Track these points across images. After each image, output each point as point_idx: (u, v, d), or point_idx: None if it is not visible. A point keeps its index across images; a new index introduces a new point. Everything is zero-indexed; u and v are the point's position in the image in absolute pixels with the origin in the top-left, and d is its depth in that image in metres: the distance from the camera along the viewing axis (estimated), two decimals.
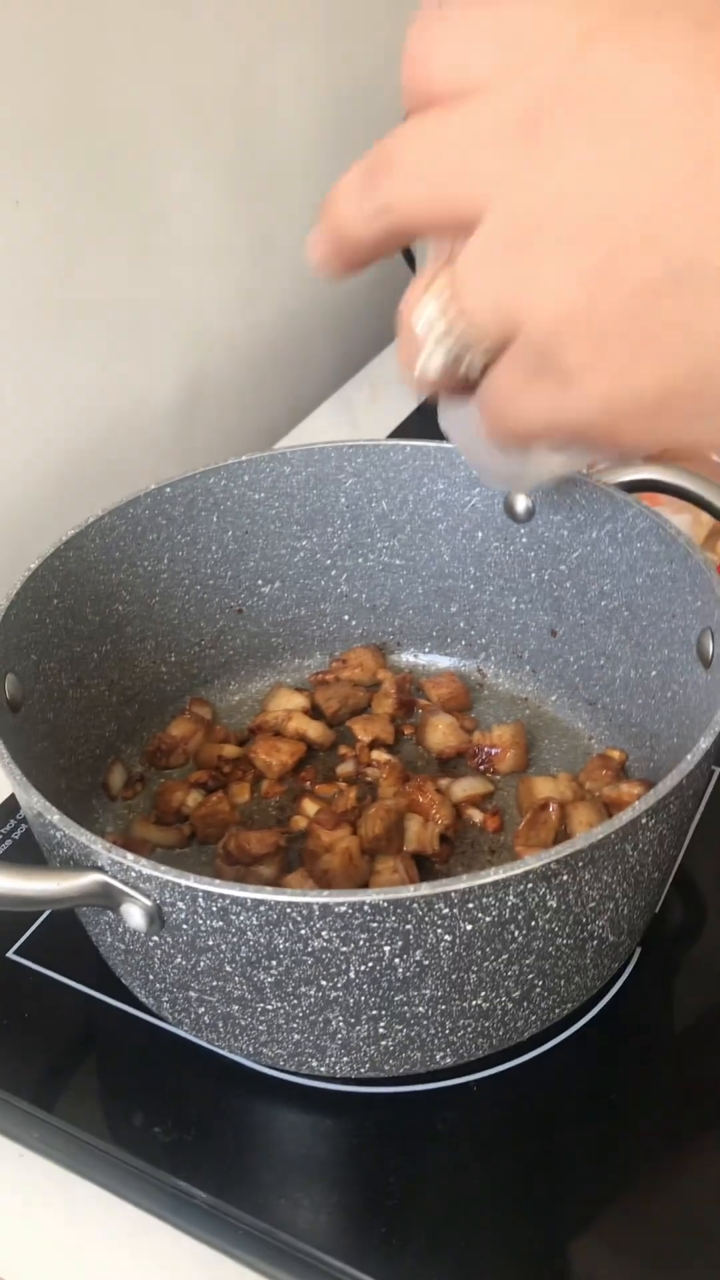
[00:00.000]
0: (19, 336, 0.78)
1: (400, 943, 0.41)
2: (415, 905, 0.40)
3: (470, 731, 0.63)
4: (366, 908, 0.40)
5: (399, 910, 0.40)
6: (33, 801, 0.44)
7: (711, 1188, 0.46)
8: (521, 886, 0.41)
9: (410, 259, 1.01)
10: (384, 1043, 0.46)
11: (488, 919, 0.41)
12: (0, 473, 0.78)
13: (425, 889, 0.40)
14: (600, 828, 0.41)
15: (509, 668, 0.67)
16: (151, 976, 0.47)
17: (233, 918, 0.41)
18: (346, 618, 0.68)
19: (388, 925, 0.41)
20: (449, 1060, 0.48)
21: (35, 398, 0.80)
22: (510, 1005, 0.46)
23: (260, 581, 0.66)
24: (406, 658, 0.69)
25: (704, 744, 0.44)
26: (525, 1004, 0.47)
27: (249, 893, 0.40)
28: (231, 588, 0.65)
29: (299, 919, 0.40)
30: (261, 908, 0.40)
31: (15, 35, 0.71)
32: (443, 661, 0.68)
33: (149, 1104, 0.50)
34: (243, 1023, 0.46)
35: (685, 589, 0.55)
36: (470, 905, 0.41)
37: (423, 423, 0.94)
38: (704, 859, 0.58)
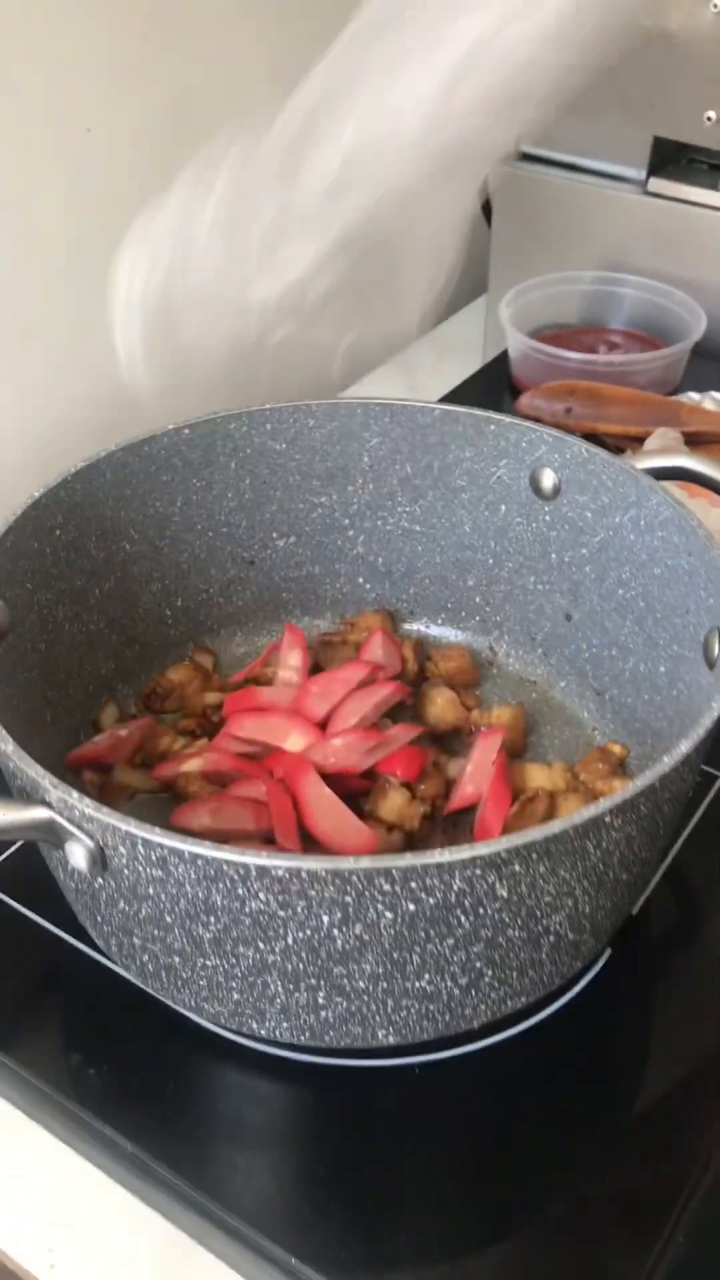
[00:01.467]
0: (77, 255, 0.77)
1: (339, 914, 0.40)
2: (355, 878, 0.39)
3: (470, 709, 0.61)
4: (304, 874, 0.39)
5: (338, 881, 0.39)
6: None
7: (646, 1201, 0.45)
8: (469, 872, 0.39)
9: (488, 213, 0.99)
10: (323, 1013, 0.45)
11: (432, 901, 0.40)
12: (54, 416, 0.77)
13: (366, 862, 0.38)
14: (557, 822, 0.40)
15: (521, 648, 0.65)
16: (99, 918, 0.47)
17: (171, 869, 0.40)
18: (361, 580, 0.66)
19: (326, 895, 0.39)
20: (392, 1039, 0.46)
21: (89, 318, 0.79)
22: (457, 991, 0.45)
23: (275, 534, 0.65)
24: (418, 627, 0.67)
25: (684, 747, 0.42)
26: (473, 991, 0.45)
27: (186, 845, 0.39)
28: (245, 538, 0.64)
29: (236, 877, 0.39)
30: (199, 862, 0.39)
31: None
32: (454, 635, 0.67)
33: (89, 1046, 0.49)
34: (184, 975, 0.46)
35: (700, 584, 0.52)
36: (413, 884, 0.39)
37: (475, 391, 0.92)
38: (702, 866, 0.56)
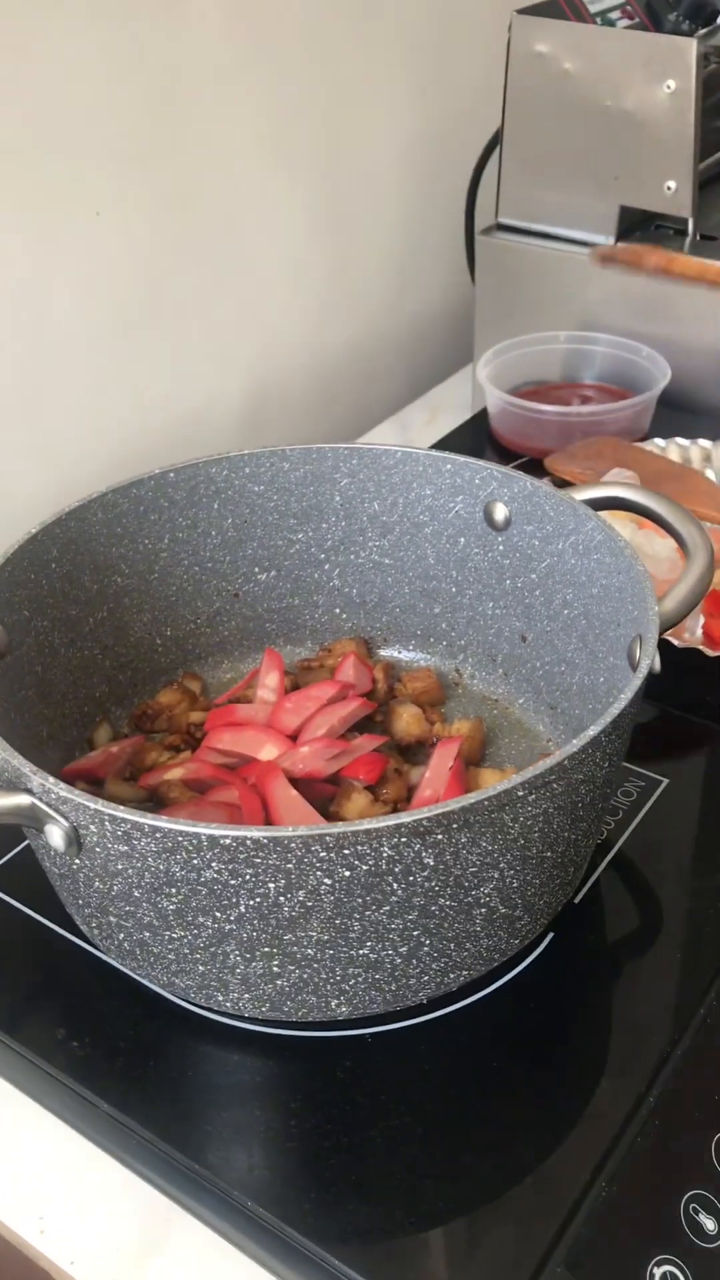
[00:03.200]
0: (94, 337, 0.84)
1: (283, 881, 0.45)
2: (294, 845, 0.44)
3: (434, 724, 0.67)
4: (249, 842, 0.44)
5: (279, 848, 0.44)
6: None
7: (575, 1174, 0.49)
8: (395, 839, 0.44)
9: None
10: (279, 982, 0.50)
11: (364, 867, 0.45)
12: (65, 466, 0.84)
13: (302, 831, 0.43)
14: (474, 793, 0.45)
15: (483, 669, 0.70)
16: (80, 901, 0.52)
17: (135, 843, 0.45)
18: (338, 610, 0.72)
19: (270, 862, 0.44)
20: (345, 1010, 0.51)
21: (105, 397, 0.87)
22: (399, 960, 0.49)
23: (257, 569, 0.71)
24: (391, 653, 0.73)
25: (592, 731, 0.47)
26: (414, 961, 0.50)
27: (145, 819, 0.44)
28: (229, 572, 0.70)
29: (190, 848, 0.45)
30: (157, 834, 0.45)
31: (112, 59, 0.78)
32: (424, 659, 0.72)
33: (73, 1022, 0.54)
34: (154, 950, 0.51)
35: (628, 598, 0.57)
36: (346, 851, 0.44)
37: (458, 444, 0.98)
38: (650, 862, 0.61)
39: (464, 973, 0.52)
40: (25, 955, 0.58)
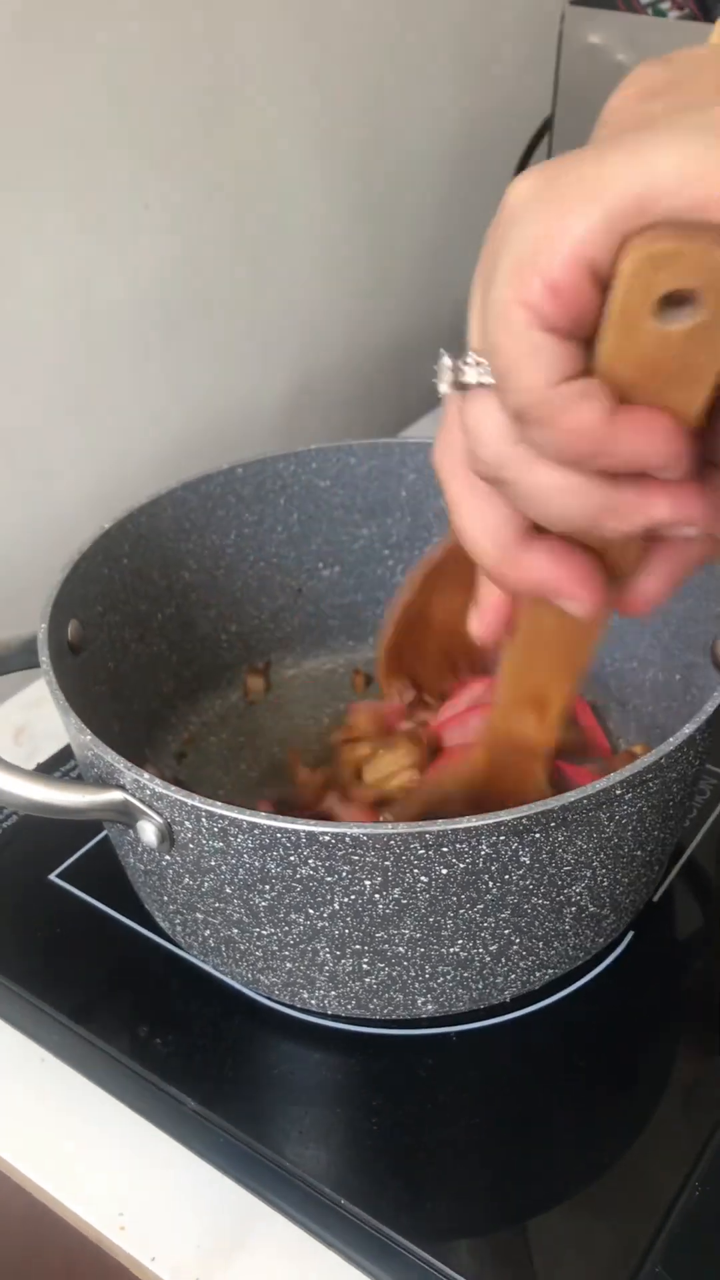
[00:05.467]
0: (140, 332, 0.84)
1: (380, 878, 0.45)
2: (393, 842, 0.44)
3: None
4: (348, 839, 0.44)
5: (378, 845, 0.44)
6: (71, 723, 0.49)
7: (666, 1174, 0.48)
8: (494, 837, 0.44)
9: None
10: (368, 979, 0.49)
11: (462, 865, 0.45)
12: (110, 462, 0.84)
13: (403, 828, 0.43)
14: (574, 791, 0.44)
15: None
16: (165, 898, 0.52)
17: (231, 839, 0.45)
18: None
19: (368, 859, 0.44)
20: (431, 1008, 0.51)
21: (150, 392, 0.87)
22: (488, 959, 0.49)
23: (321, 564, 0.71)
24: None
25: (688, 729, 0.47)
26: (503, 960, 0.50)
27: (245, 815, 0.44)
28: (293, 568, 0.70)
29: (288, 845, 0.44)
30: (255, 831, 0.44)
31: (161, 51, 0.78)
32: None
33: (157, 1020, 0.54)
34: (242, 947, 0.50)
35: (713, 596, 0.57)
36: (445, 849, 0.44)
37: None
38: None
39: (550, 971, 0.52)
40: (102, 951, 0.58)
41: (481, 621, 0.42)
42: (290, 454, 0.67)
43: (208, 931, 0.51)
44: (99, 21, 0.73)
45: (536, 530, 0.36)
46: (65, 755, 0.68)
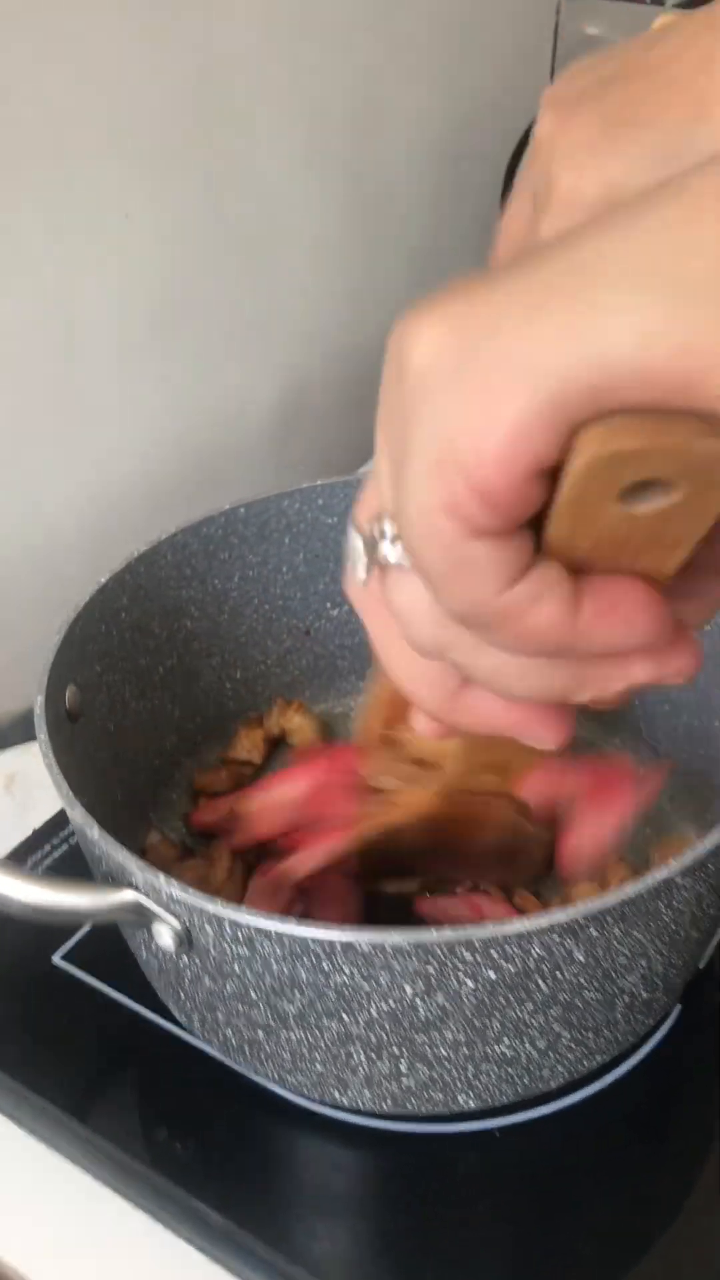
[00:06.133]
0: (125, 340, 0.80)
1: (422, 984, 0.41)
2: (438, 949, 0.40)
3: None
4: (388, 948, 0.40)
5: (421, 953, 0.40)
6: (76, 815, 0.45)
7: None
8: (547, 937, 0.40)
9: None
10: (405, 1081, 0.46)
11: (512, 968, 0.41)
12: (97, 474, 0.80)
13: (449, 934, 0.39)
14: (632, 885, 0.41)
15: None
16: (182, 995, 0.48)
17: (257, 946, 0.41)
18: None
19: (410, 967, 0.40)
20: (472, 1103, 0.47)
21: (136, 401, 0.82)
22: (535, 1054, 0.46)
23: (329, 604, 0.66)
24: None
25: None
26: (551, 1053, 0.46)
27: (273, 924, 0.40)
28: (300, 609, 0.66)
29: (321, 953, 0.41)
30: (285, 940, 0.41)
31: (133, 50, 0.73)
32: None
33: (175, 1119, 0.50)
34: (268, 1049, 0.47)
35: None
36: (494, 953, 0.40)
37: None
38: None
39: (599, 1057, 0.49)
40: (112, 1042, 0.54)
41: (428, 728, 0.34)
42: (295, 491, 0.63)
43: (229, 1031, 0.47)
44: (78, 17, 0.68)
45: None
46: (65, 816, 0.64)
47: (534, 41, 0.93)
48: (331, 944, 0.40)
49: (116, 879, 0.44)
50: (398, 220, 1.04)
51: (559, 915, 0.40)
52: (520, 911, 0.55)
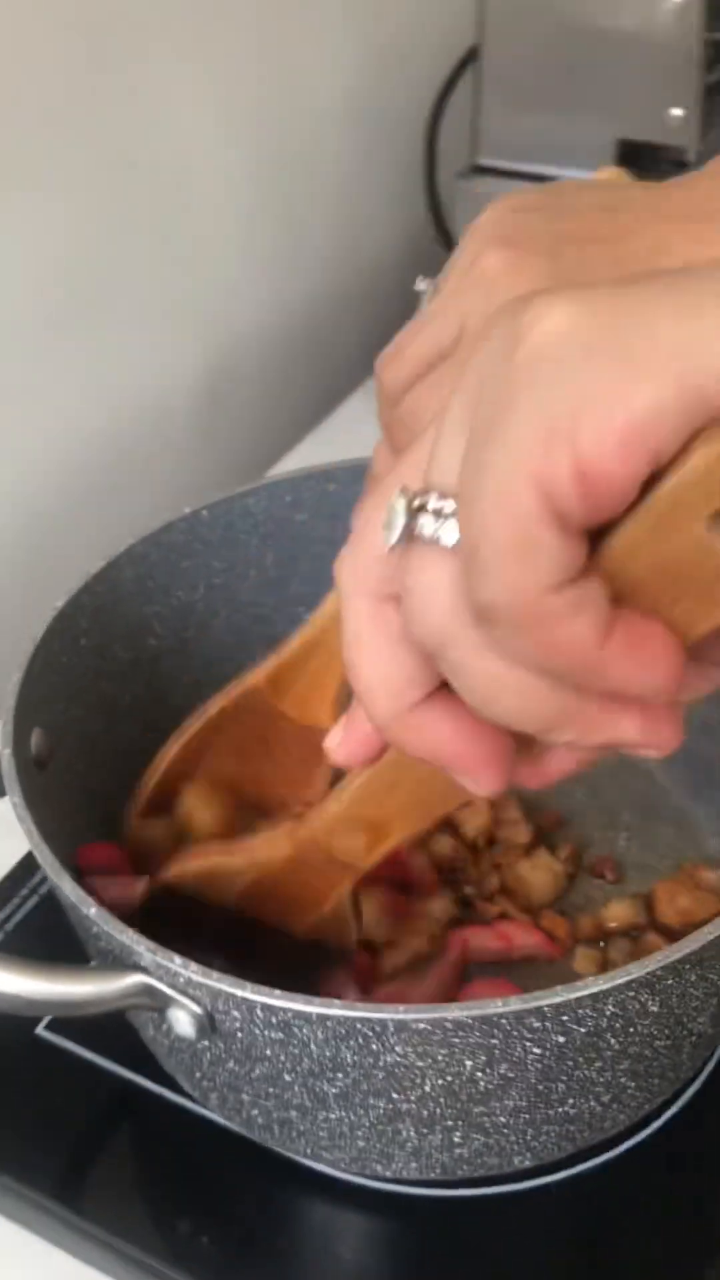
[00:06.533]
0: (35, 325, 0.73)
1: (484, 1057, 0.37)
2: (503, 1021, 0.35)
3: None
4: (448, 1024, 0.35)
5: (485, 1026, 0.35)
6: (66, 888, 0.39)
7: None
8: (624, 995, 0.36)
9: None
10: (458, 1150, 0.41)
11: (583, 1030, 0.37)
12: (12, 468, 0.74)
13: (515, 1004, 0.35)
14: (710, 926, 0.36)
15: None
16: (199, 1074, 0.43)
17: (295, 1030, 0.36)
18: None
19: (471, 1040, 0.36)
20: (528, 1163, 0.43)
21: (50, 389, 0.76)
22: (599, 1108, 0.41)
23: (303, 609, 0.60)
24: None
25: None
26: (615, 1104, 0.42)
27: (315, 1007, 0.35)
28: (273, 616, 0.60)
29: (370, 1034, 0.36)
30: (328, 1023, 0.35)
31: (40, 13, 0.66)
32: None
33: (193, 1206, 0.45)
34: (301, 1128, 0.42)
35: None
36: (564, 1018, 0.36)
37: None
38: None
39: (658, 1099, 0.45)
40: (100, 1115, 0.49)
41: (344, 747, 0.33)
42: (260, 486, 0.57)
43: (255, 1111, 0.42)
44: None
45: (443, 685, 0.27)
46: (31, 862, 0.58)
47: None
48: (383, 1024, 0.35)
49: (120, 960, 0.38)
50: (318, 177, 0.98)
51: (635, 971, 0.35)
52: (550, 935, 0.51)
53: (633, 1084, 0.41)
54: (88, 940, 0.41)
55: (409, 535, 0.25)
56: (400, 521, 0.25)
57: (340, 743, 0.33)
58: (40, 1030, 0.51)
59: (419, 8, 1.02)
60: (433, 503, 0.25)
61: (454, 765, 0.28)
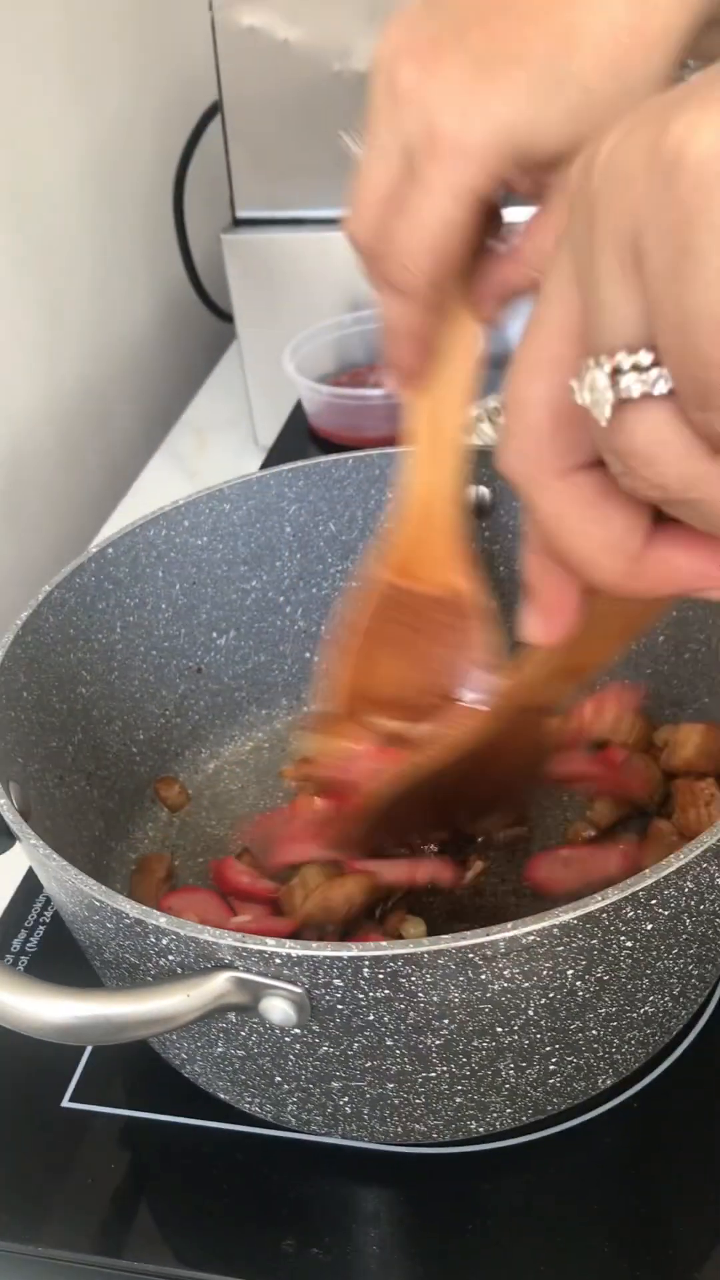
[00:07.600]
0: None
1: (584, 962, 0.37)
2: (604, 915, 0.36)
3: None
4: (556, 931, 0.35)
5: (588, 925, 0.36)
6: (128, 909, 0.37)
7: None
8: (697, 869, 0.37)
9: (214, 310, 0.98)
10: (552, 1080, 0.41)
11: (666, 912, 0.38)
12: None
13: (613, 895, 0.36)
14: None
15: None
16: (279, 1078, 0.41)
17: (402, 980, 0.36)
18: (308, 655, 0.63)
19: (574, 945, 0.36)
20: (610, 1081, 0.44)
21: None
22: (670, 1004, 0.43)
23: (215, 634, 0.60)
24: None
25: None
26: (681, 999, 0.43)
27: (425, 946, 0.35)
28: (187, 646, 0.60)
29: (480, 962, 0.36)
30: (440, 959, 0.35)
31: None
32: None
33: (295, 1228, 0.43)
34: (395, 1101, 0.41)
35: None
36: (654, 901, 0.37)
37: (299, 444, 0.90)
38: None
39: (708, 988, 0.46)
40: (188, 1171, 0.46)
41: (547, 626, 0.34)
42: (159, 515, 0.57)
43: (344, 1099, 0.41)
44: None
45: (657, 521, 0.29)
46: (30, 891, 0.55)
47: (188, 37, 0.90)
48: (494, 945, 0.35)
49: (191, 966, 0.37)
50: (71, 264, 0.98)
51: (708, 840, 0.37)
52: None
53: (696, 972, 0.43)
54: (142, 962, 0.39)
55: (617, 399, 0.25)
56: (609, 394, 0.25)
57: (539, 625, 0.33)
58: (67, 1103, 0.48)
59: (148, 75, 1.05)
60: (628, 361, 0.24)
61: (700, 586, 0.29)
